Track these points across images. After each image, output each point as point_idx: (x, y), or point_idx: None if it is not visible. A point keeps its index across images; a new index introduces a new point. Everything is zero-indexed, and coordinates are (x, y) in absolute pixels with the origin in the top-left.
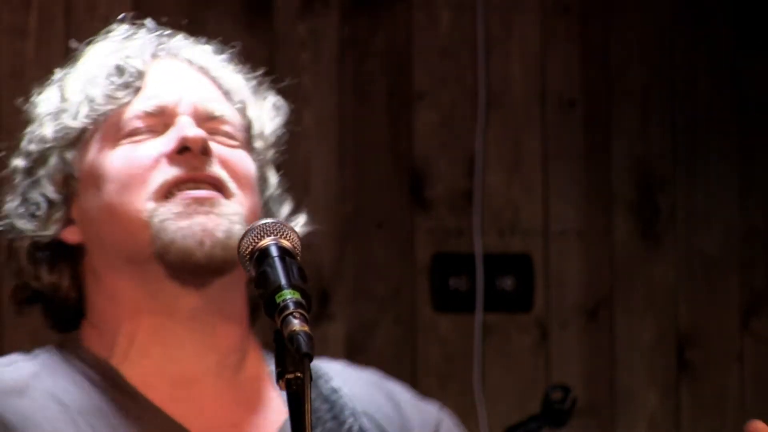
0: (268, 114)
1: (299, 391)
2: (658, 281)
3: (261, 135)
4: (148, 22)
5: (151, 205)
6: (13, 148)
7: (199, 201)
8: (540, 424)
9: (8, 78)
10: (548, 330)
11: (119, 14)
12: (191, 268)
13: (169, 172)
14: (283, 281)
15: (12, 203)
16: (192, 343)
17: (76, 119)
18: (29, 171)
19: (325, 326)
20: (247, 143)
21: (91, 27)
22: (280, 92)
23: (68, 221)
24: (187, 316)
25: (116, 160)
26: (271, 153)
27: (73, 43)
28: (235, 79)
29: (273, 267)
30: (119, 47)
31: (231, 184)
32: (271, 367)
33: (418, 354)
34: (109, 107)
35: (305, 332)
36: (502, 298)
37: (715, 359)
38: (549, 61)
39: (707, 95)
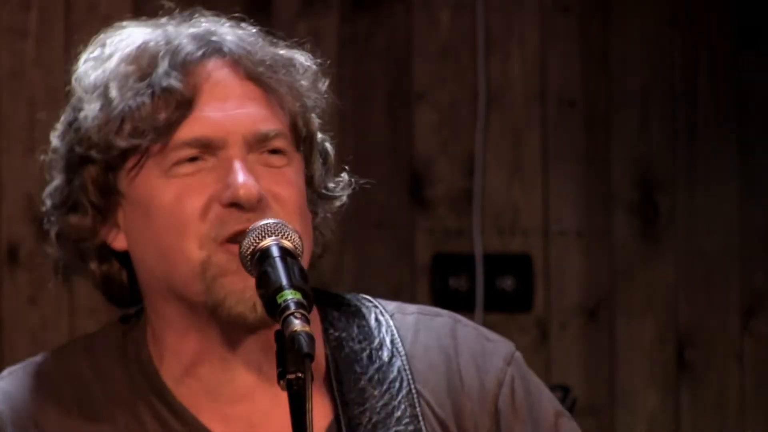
0: (312, 90)
1: (300, 391)
2: (657, 281)
3: (308, 122)
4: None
5: (203, 254)
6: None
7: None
8: None
9: (8, 78)
10: (548, 330)
11: (120, 14)
12: (243, 329)
13: (224, 224)
14: (284, 281)
15: (55, 192)
16: (240, 363)
17: (121, 136)
18: (71, 165)
19: None
20: (296, 140)
21: (91, 27)
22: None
23: (115, 226)
24: (238, 349)
25: (166, 196)
26: (318, 125)
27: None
28: (284, 73)
29: (274, 267)
30: (164, 42)
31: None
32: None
33: None
34: (155, 135)
35: (306, 332)
36: (502, 298)
37: (715, 359)
38: (549, 61)
39: (707, 95)
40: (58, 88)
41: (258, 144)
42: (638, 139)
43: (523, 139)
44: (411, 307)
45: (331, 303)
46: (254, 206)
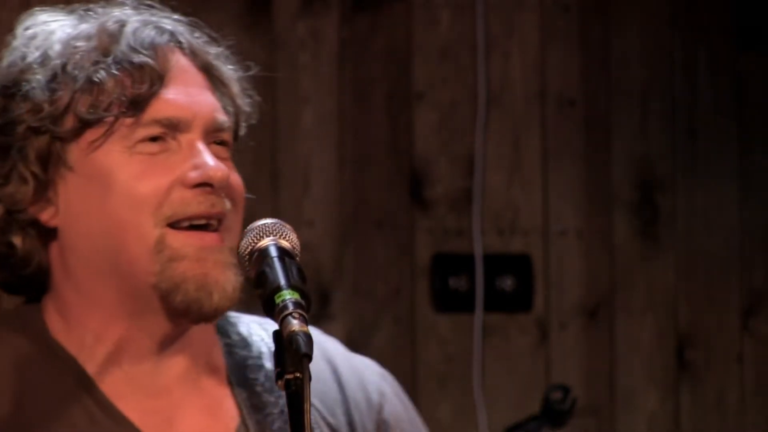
0: (244, 98)
1: (299, 391)
2: (657, 281)
3: (240, 124)
4: None
5: (158, 232)
6: None
7: (210, 248)
8: (540, 425)
9: None
10: (548, 330)
11: None
12: (194, 317)
13: (186, 205)
14: (282, 281)
15: None
16: (166, 355)
17: (85, 108)
18: (10, 133)
19: (325, 326)
20: (233, 135)
21: None
22: (280, 92)
23: (47, 200)
24: (167, 340)
25: (128, 172)
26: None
27: None
28: (229, 72)
29: (272, 267)
30: (119, 23)
31: (231, 218)
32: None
33: (417, 354)
34: (125, 109)
35: (304, 333)
36: (502, 298)
37: (714, 359)
38: (549, 61)
39: (707, 95)
40: None
41: (212, 133)
42: (638, 139)
43: (523, 139)
44: (264, 318)
45: None
46: (223, 189)
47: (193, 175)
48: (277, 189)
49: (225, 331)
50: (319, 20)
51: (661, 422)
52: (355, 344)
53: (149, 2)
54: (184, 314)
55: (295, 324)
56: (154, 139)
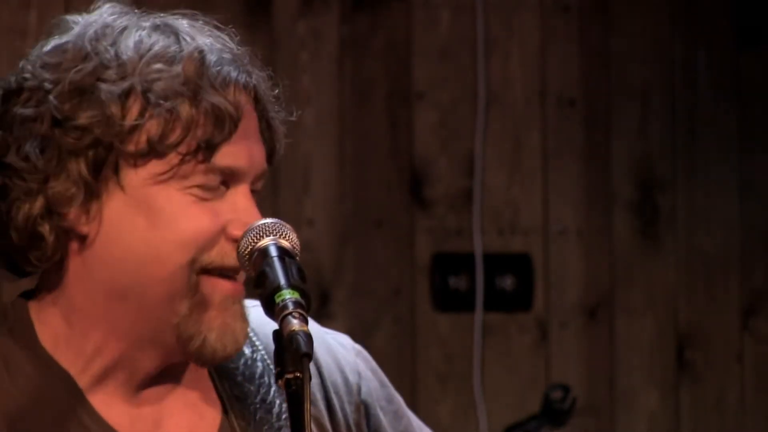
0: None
1: (299, 390)
2: (657, 281)
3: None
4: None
5: (194, 277)
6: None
7: (233, 298)
8: (540, 424)
9: None
10: (548, 329)
11: None
12: (203, 361)
13: (224, 257)
14: (282, 281)
15: (33, 145)
16: (164, 370)
17: (151, 131)
18: (69, 129)
19: (325, 326)
20: None
21: None
22: (280, 92)
23: (87, 212)
24: (165, 363)
25: (182, 213)
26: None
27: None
28: (277, 115)
29: (272, 267)
30: (200, 49)
31: None
32: None
33: (417, 353)
34: (195, 151)
35: (304, 332)
36: (502, 297)
37: (714, 359)
38: (549, 61)
39: (707, 94)
40: None
41: (255, 182)
42: (638, 138)
43: (523, 139)
44: (247, 300)
45: None
46: None
47: (238, 233)
48: (277, 188)
49: None
50: (319, 20)
51: (661, 422)
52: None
53: (206, 20)
54: (195, 358)
55: (295, 323)
56: (213, 188)
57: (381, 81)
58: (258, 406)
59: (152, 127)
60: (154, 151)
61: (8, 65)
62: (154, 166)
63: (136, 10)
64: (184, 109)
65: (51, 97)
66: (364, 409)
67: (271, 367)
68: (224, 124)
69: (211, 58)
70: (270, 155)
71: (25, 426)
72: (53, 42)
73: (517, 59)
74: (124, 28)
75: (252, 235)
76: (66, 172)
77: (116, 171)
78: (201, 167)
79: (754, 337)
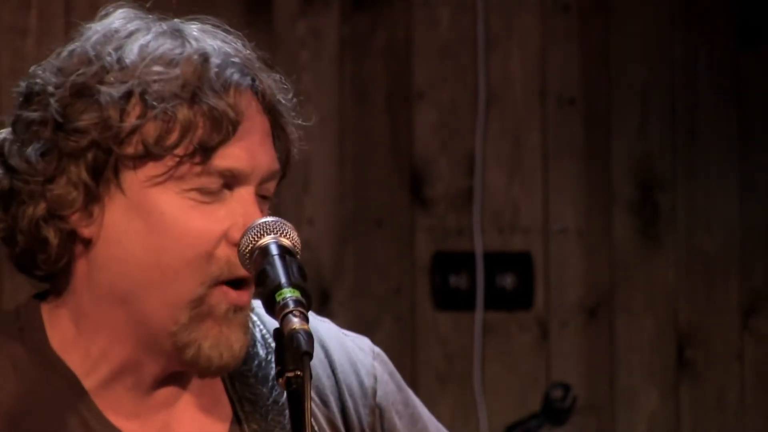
0: (296, 143)
1: (299, 389)
2: (657, 280)
3: (290, 165)
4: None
5: (200, 291)
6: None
7: (239, 308)
8: (540, 423)
9: (8, 77)
10: (548, 328)
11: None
12: (199, 370)
13: (233, 266)
14: (283, 279)
15: (36, 151)
16: (171, 374)
17: (149, 133)
18: (68, 131)
19: None
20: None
21: None
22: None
23: (89, 214)
24: (171, 367)
25: (178, 218)
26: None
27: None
28: (290, 117)
29: (273, 265)
30: (200, 53)
31: None
32: None
33: (418, 352)
34: (193, 153)
35: (305, 330)
36: (503, 296)
37: (714, 358)
38: (549, 60)
39: (707, 93)
40: None
41: (262, 184)
42: (638, 137)
43: (523, 138)
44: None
45: None
46: None
47: (239, 237)
48: (278, 188)
49: None
50: (320, 19)
51: (661, 421)
52: None
53: (217, 24)
54: (191, 366)
55: (296, 322)
56: (216, 191)
57: (381, 80)
58: (270, 407)
59: (150, 130)
60: (152, 153)
61: (8, 64)
62: (152, 169)
63: (150, 15)
64: (182, 112)
65: (53, 100)
66: (378, 412)
67: None
68: (222, 126)
69: (215, 60)
70: (284, 159)
71: (28, 426)
72: (67, 48)
73: (518, 59)
74: (132, 33)
75: (253, 233)
76: (66, 175)
77: (116, 174)
78: (198, 169)
79: (754, 336)
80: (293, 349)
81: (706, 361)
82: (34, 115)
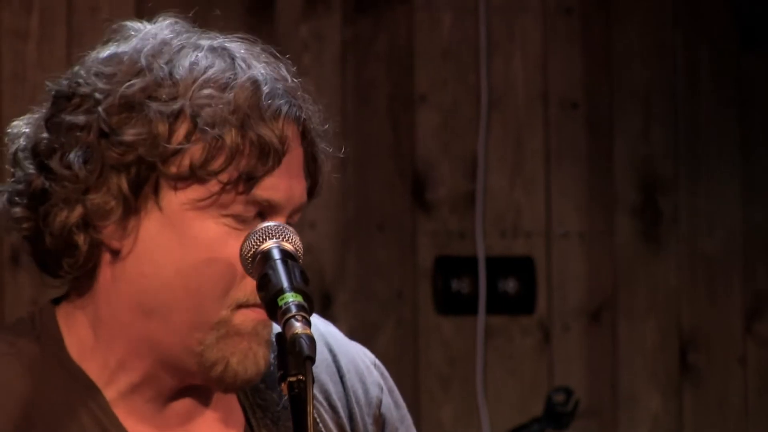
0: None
1: (302, 394)
2: (660, 284)
3: (315, 195)
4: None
5: (225, 313)
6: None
7: (263, 323)
8: (542, 427)
9: (10, 80)
10: (550, 332)
11: (121, 16)
12: (224, 386)
13: (255, 295)
14: (285, 284)
15: (77, 157)
16: (189, 388)
17: (195, 155)
18: (114, 144)
19: None
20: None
21: (93, 30)
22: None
23: (124, 229)
24: (190, 382)
25: (212, 244)
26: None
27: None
28: (324, 150)
29: (275, 270)
30: (254, 80)
31: None
32: None
33: (420, 356)
34: (237, 180)
35: (307, 335)
36: (505, 300)
37: (717, 362)
38: (551, 63)
39: (709, 96)
40: None
41: (291, 216)
42: (640, 140)
43: (526, 141)
44: None
45: None
46: None
47: None
48: None
49: None
50: (322, 22)
51: (664, 424)
52: None
53: (255, 40)
54: (216, 383)
55: (298, 326)
56: (248, 220)
57: (383, 83)
58: (281, 413)
59: (196, 152)
60: (196, 176)
61: (10, 67)
62: (194, 192)
63: (195, 28)
64: (230, 138)
65: (100, 108)
66: (382, 422)
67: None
68: (269, 157)
69: (265, 89)
70: (311, 189)
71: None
72: (110, 49)
73: (520, 62)
74: (182, 48)
75: (255, 238)
76: (107, 185)
77: (156, 191)
78: (241, 198)
79: (757, 339)
80: (295, 354)
81: (708, 364)
82: (78, 119)
